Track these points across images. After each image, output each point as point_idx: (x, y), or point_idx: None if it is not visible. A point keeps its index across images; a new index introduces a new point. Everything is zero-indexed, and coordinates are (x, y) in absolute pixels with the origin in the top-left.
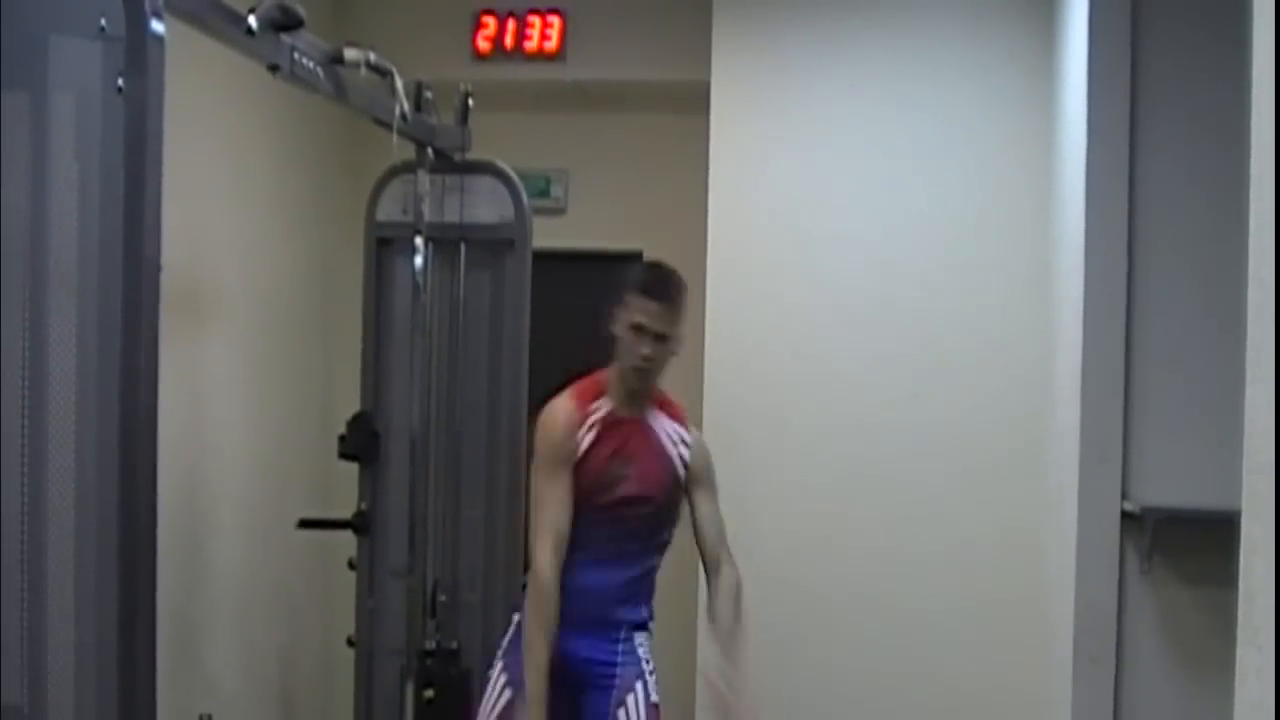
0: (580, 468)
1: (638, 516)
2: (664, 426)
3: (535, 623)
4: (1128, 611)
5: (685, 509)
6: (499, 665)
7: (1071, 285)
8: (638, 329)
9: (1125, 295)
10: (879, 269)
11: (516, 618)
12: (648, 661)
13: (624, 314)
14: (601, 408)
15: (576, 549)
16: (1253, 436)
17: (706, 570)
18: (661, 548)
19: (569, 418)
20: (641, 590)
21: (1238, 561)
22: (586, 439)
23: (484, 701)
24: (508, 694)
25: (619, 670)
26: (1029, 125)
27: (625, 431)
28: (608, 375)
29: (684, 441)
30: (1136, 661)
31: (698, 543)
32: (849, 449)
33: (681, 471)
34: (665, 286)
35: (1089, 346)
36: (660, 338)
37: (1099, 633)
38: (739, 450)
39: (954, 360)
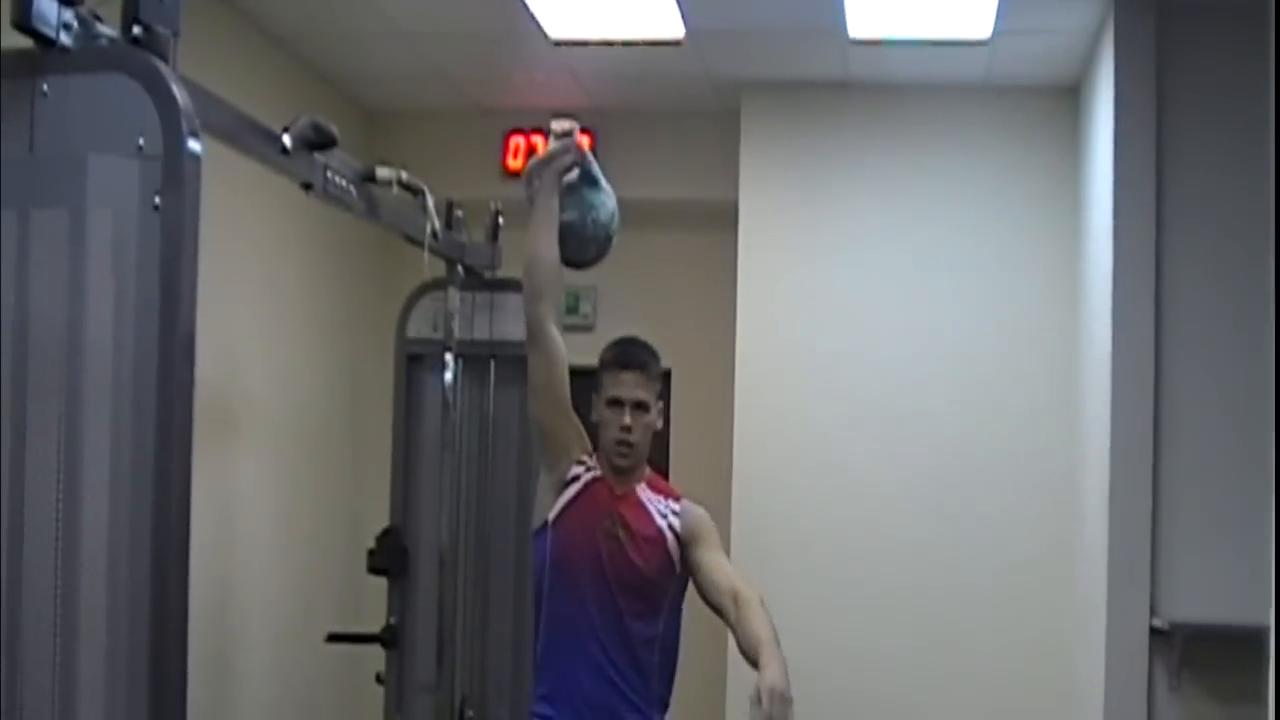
0: (571, 514)
1: (626, 585)
2: (653, 501)
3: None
4: None
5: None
6: None
7: (1099, 401)
8: (614, 403)
9: (1153, 412)
10: (905, 384)
11: None
12: None
13: (599, 396)
14: (598, 469)
15: (560, 627)
16: None
17: (727, 617)
18: (648, 640)
19: (582, 445)
20: (640, 678)
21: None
22: (583, 477)
23: None
24: None
25: None
26: (1055, 240)
27: (616, 497)
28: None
29: (673, 513)
30: None
31: (710, 595)
32: (877, 564)
33: (674, 543)
34: (635, 354)
35: (1116, 463)
36: (639, 406)
37: None
38: (766, 563)
39: (981, 476)
